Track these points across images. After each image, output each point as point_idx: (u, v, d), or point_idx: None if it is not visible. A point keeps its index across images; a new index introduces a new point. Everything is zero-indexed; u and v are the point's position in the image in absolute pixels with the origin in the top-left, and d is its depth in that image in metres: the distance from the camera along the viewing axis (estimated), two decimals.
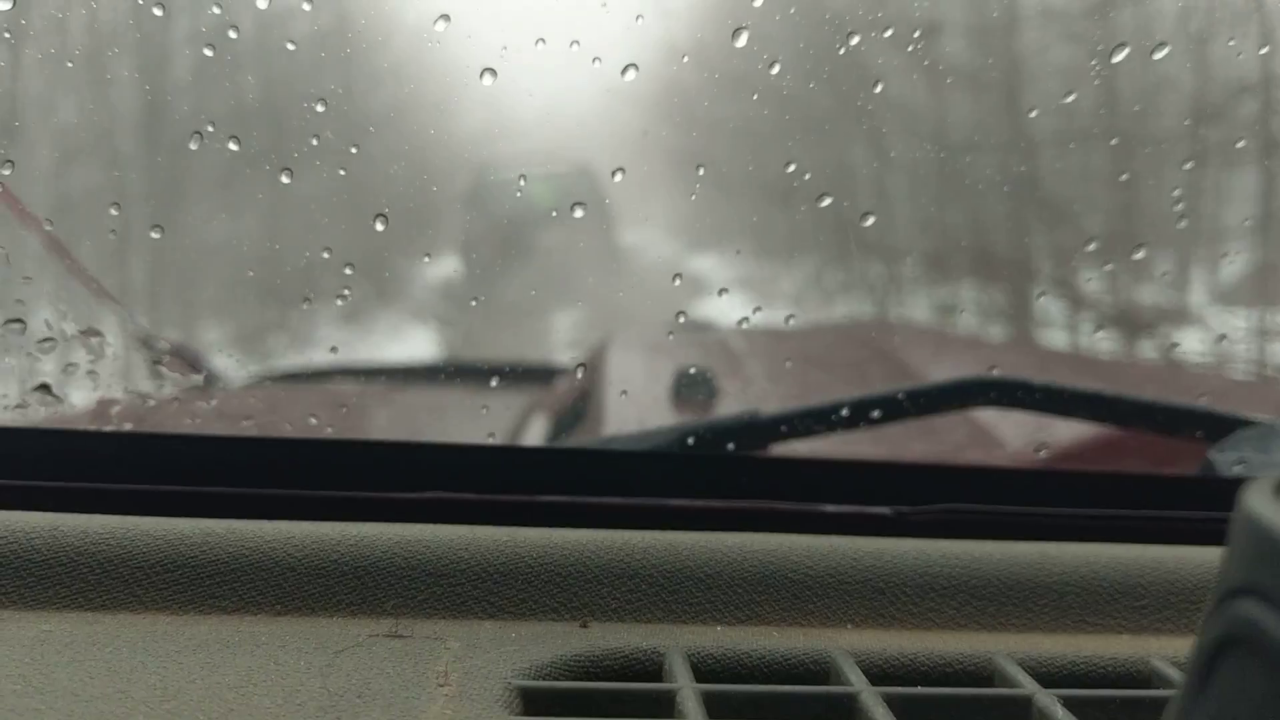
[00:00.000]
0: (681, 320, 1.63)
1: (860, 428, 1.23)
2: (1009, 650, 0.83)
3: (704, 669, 0.79)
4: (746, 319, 1.66)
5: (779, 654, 0.81)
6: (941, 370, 1.97)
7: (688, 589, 0.89)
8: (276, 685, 0.73)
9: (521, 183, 1.93)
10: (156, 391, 1.52)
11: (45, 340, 1.31)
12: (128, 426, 1.38)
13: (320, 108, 1.48)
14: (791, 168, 1.58)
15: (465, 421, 1.83)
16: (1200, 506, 1.04)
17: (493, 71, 1.46)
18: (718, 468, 1.13)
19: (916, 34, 1.91)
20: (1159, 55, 1.61)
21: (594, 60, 1.50)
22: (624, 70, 1.47)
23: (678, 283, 1.61)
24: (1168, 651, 0.84)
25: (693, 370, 1.75)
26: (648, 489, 1.05)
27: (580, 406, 1.91)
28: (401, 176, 1.86)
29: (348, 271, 1.54)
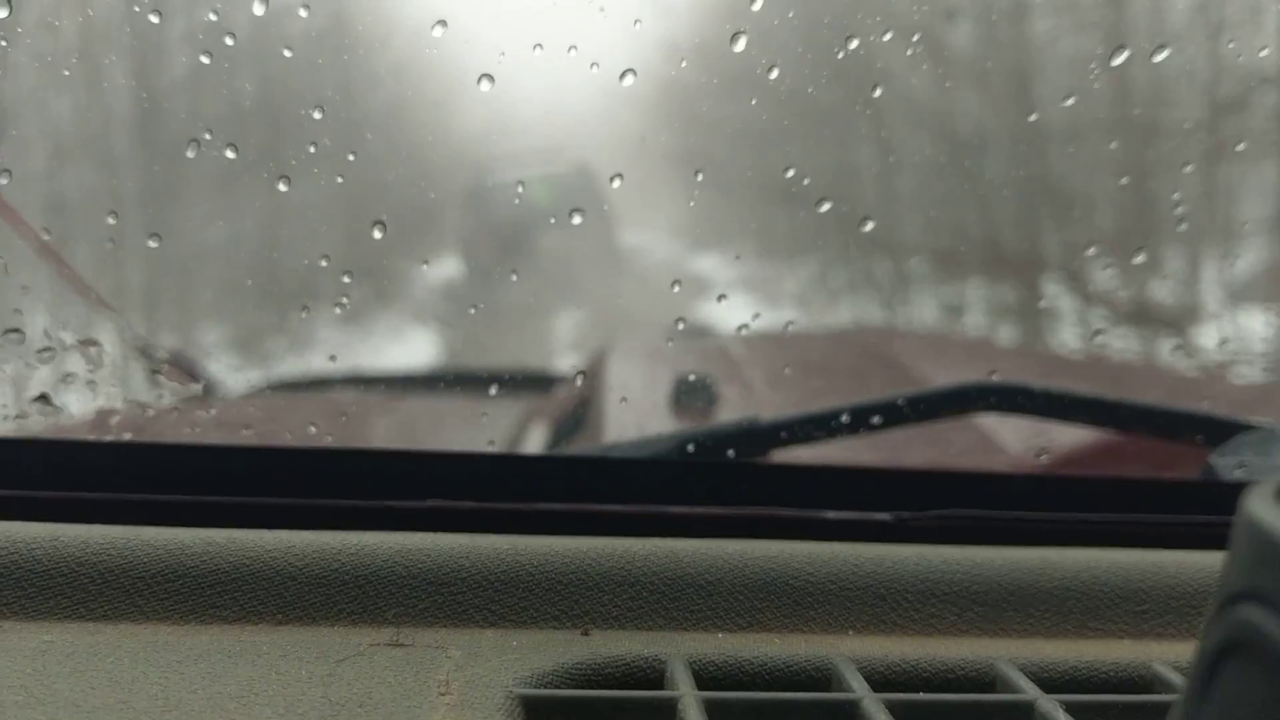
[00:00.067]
0: (681, 327, 1.63)
1: (860, 434, 1.23)
2: (1011, 656, 0.83)
3: (705, 676, 0.79)
4: (746, 325, 1.66)
5: (780, 661, 0.81)
6: (941, 375, 1.97)
7: (689, 596, 0.89)
8: (278, 695, 0.73)
9: (520, 189, 1.93)
10: (155, 401, 1.52)
11: (44, 350, 1.31)
12: (127, 436, 1.38)
13: (317, 114, 1.48)
14: (790, 173, 1.58)
15: (465, 429, 1.83)
16: (1201, 511, 1.04)
17: (490, 77, 1.46)
18: (718, 475, 1.12)
19: (915, 37, 1.91)
20: (1159, 57, 1.61)
21: (592, 65, 1.50)
22: (622, 75, 1.47)
23: (677, 289, 1.61)
24: (1169, 656, 0.84)
25: (692, 377, 1.74)
26: (648, 496, 1.04)
27: (580, 414, 1.91)
28: (399, 182, 1.86)
29: (346, 279, 1.54)
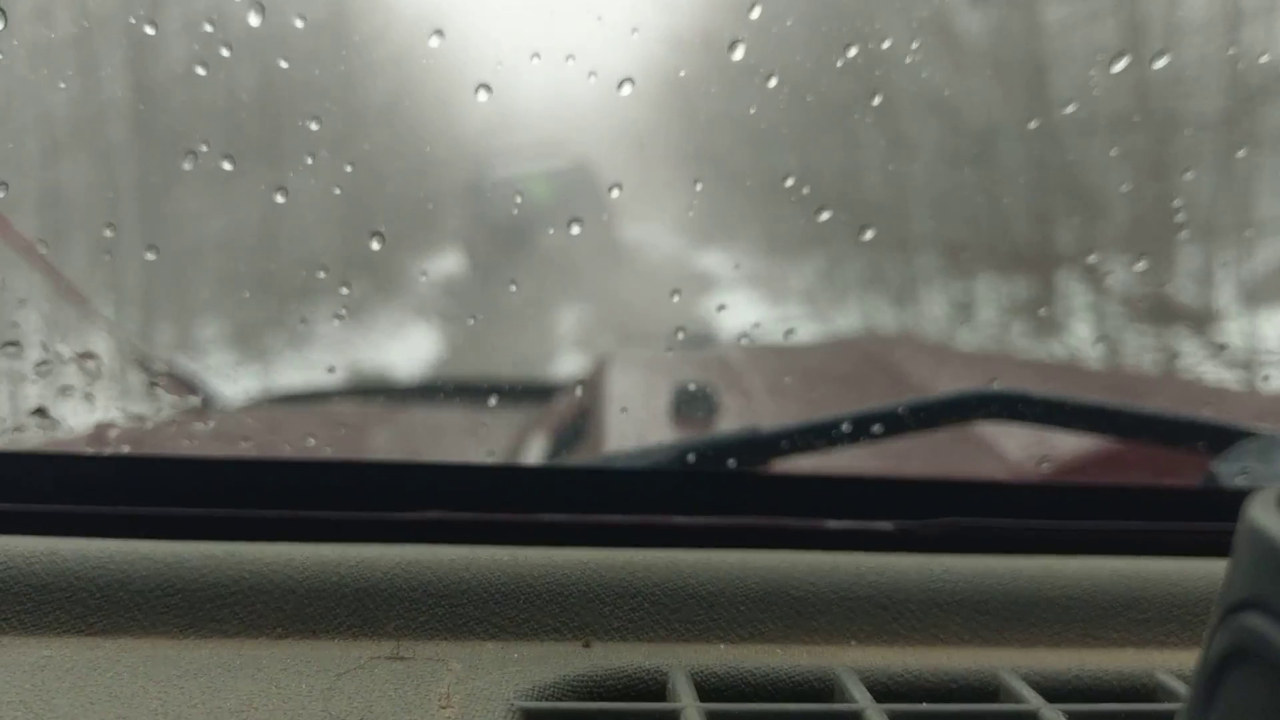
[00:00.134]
0: (681, 337, 1.63)
1: (861, 443, 1.23)
2: (1013, 665, 0.82)
3: (707, 688, 0.79)
4: (746, 335, 1.65)
5: (783, 672, 0.81)
6: (942, 383, 1.96)
7: (690, 607, 0.89)
8: (278, 709, 0.72)
9: (518, 199, 1.93)
10: (154, 413, 1.52)
11: (41, 363, 1.31)
12: (125, 449, 1.38)
13: (314, 126, 1.48)
14: (790, 181, 1.58)
15: (465, 440, 1.83)
16: (1204, 518, 1.04)
17: (488, 87, 1.46)
18: (719, 485, 1.12)
19: (914, 45, 1.91)
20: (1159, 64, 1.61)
21: (590, 75, 1.50)
22: (620, 84, 1.47)
23: (676, 299, 1.61)
24: (1172, 665, 0.83)
25: (692, 386, 1.74)
26: (649, 507, 1.04)
27: (580, 424, 1.91)
28: (396, 194, 1.86)
29: (344, 291, 1.54)
